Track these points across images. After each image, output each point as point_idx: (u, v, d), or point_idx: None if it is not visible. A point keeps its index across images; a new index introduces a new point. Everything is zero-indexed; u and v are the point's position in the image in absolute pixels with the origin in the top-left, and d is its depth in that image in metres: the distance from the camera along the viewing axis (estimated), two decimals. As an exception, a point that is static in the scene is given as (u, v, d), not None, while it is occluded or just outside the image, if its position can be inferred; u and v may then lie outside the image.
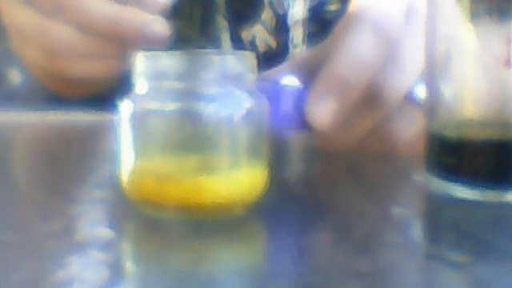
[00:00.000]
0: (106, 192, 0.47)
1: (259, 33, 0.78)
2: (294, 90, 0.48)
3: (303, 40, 0.77)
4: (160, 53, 0.42)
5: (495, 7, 0.45)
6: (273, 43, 0.78)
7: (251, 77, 0.42)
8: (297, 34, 0.77)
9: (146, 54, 0.41)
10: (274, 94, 0.48)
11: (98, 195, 0.47)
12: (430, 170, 0.47)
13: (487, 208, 0.44)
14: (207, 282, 0.34)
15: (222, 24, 0.83)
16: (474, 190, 0.45)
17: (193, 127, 0.40)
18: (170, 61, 0.41)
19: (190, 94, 0.41)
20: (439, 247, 0.38)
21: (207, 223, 0.40)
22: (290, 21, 0.77)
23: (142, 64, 0.41)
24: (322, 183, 0.50)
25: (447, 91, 0.47)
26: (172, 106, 0.41)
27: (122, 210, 0.44)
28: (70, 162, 0.55)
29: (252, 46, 0.79)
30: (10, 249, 0.37)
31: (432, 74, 0.48)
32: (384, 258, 0.37)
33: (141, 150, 0.41)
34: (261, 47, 0.78)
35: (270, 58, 0.79)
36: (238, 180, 0.41)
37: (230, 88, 0.41)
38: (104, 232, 0.40)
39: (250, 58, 0.42)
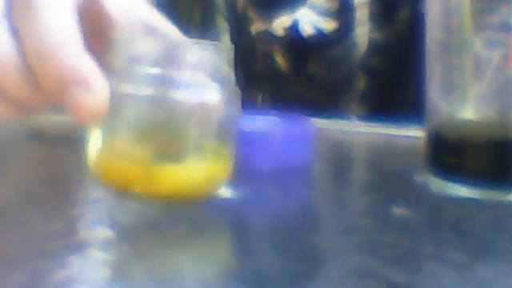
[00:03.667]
0: (106, 192, 0.47)
1: (304, 17, 0.78)
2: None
3: (368, 19, 0.78)
4: (138, 37, 0.42)
5: (495, 6, 0.45)
6: (328, 25, 0.79)
7: (226, 68, 0.42)
8: (361, 15, 0.78)
9: (124, 37, 0.41)
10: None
11: (98, 195, 0.47)
12: (430, 170, 0.47)
13: (487, 208, 0.44)
14: (207, 281, 0.34)
15: (222, 24, 0.83)
16: (474, 189, 0.45)
17: (163, 113, 0.40)
18: (147, 46, 0.41)
19: (163, 80, 0.41)
20: (439, 247, 0.38)
21: (208, 224, 0.40)
22: (355, 2, 0.79)
23: (118, 47, 0.41)
24: (321, 183, 0.50)
25: (447, 91, 0.47)
26: (145, 91, 0.41)
27: (122, 210, 0.44)
28: (70, 162, 0.55)
29: (291, 31, 0.79)
30: (10, 249, 0.37)
31: (432, 74, 0.48)
32: (384, 257, 0.36)
33: (110, 132, 0.41)
34: (306, 31, 0.79)
35: (322, 41, 0.80)
36: (204, 168, 0.41)
37: (204, 77, 0.41)
38: (104, 232, 0.40)
39: (226, 50, 0.42)
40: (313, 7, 0.79)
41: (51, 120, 0.70)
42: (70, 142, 0.64)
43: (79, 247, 0.37)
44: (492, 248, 0.38)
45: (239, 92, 0.42)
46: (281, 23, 0.80)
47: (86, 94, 0.40)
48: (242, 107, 0.43)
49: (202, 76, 0.41)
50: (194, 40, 0.44)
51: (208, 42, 0.43)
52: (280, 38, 0.80)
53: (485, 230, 0.41)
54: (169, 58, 0.41)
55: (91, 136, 0.42)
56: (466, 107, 0.47)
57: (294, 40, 0.80)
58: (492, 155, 0.46)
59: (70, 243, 0.38)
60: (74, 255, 0.36)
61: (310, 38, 0.79)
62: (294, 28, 0.79)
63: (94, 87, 0.40)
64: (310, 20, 0.79)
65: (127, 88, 0.41)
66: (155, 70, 0.41)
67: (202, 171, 0.41)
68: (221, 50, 0.42)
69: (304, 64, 0.81)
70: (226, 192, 0.46)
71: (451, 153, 0.47)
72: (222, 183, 0.42)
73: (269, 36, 0.81)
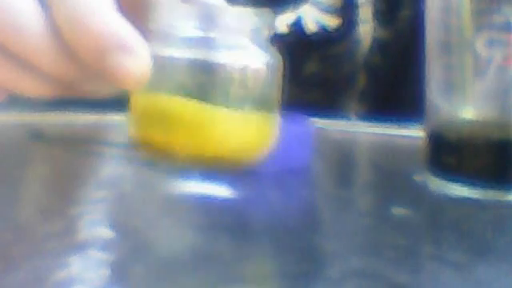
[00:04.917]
0: (106, 192, 0.47)
1: (308, 13, 0.78)
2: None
3: (372, 17, 0.79)
4: (176, 3, 0.41)
5: (496, 6, 0.45)
6: (332, 22, 0.78)
7: (267, 32, 0.42)
8: (364, 12, 0.78)
9: (167, 1, 0.41)
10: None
11: (98, 195, 0.47)
12: (430, 170, 0.47)
13: (487, 208, 0.44)
14: (207, 281, 0.34)
15: None
16: (474, 189, 0.45)
17: (206, 77, 0.40)
18: (189, 9, 0.41)
19: (205, 43, 0.40)
20: (439, 247, 0.38)
21: (208, 224, 0.40)
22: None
23: (161, 10, 0.41)
24: (321, 183, 0.50)
25: (447, 91, 0.47)
26: (187, 54, 0.40)
27: (122, 210, 0.44)
28: (70, 162, 0.55)
29: (295, 27, 0.79)
30: (10, 249, 0.37)
31: (432, 74, 0.47)
32: (384, 257, 0.36)
33: (152, 96, 0.41)
34: (309, 28, 0.79)
35: (326, 38, 0.80)
36: (246, 130, 0.41)
37: (246, 41, 0.41)
38: (104, 232, 0.40)
39: (267, 15, 0.42)
40: (316, 4, 0.79)
41: (51, 120, 0.70)
42: (70, 141, 0.64)
43: (79, 247, 0.37)
44: (492, 248, 0.38)
45: (281, 57, 0.42)
46: (284, 20, 0.80)
47: (129, 58, 0.38)
48: None
49: (244, 39, 0.41)
50: (236, 4, 0.44)
51: (249, 7, 0.43)
52: (282, 36, 0.80)
53: (485, 230, 0.41)
54: (210, 20, 0.40)
55: (132, 102, 0.41)
56: (466, 107, 0.47)
57: (297, 37, 0.79)
58: (492, 155, 0.46)
59: (70, 243, 0.38)
60: (74, 255, 0.36)
61: (313, 35, 0.79)
62: (297, 24, 0.79)
63: (137, 51, 0.38)
64: (313, 17, 0.79)
65: (168, 51, 0.40)
66: (197, 33, 0.40)
67: (243, 133, 0.41)
68: (261, 14, 0.42)
69: (301, 64, 0.80)
70: (226, 192, 0.46)
71: (451, 153, 0.47)
72: (265, 151, 0.42)
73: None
